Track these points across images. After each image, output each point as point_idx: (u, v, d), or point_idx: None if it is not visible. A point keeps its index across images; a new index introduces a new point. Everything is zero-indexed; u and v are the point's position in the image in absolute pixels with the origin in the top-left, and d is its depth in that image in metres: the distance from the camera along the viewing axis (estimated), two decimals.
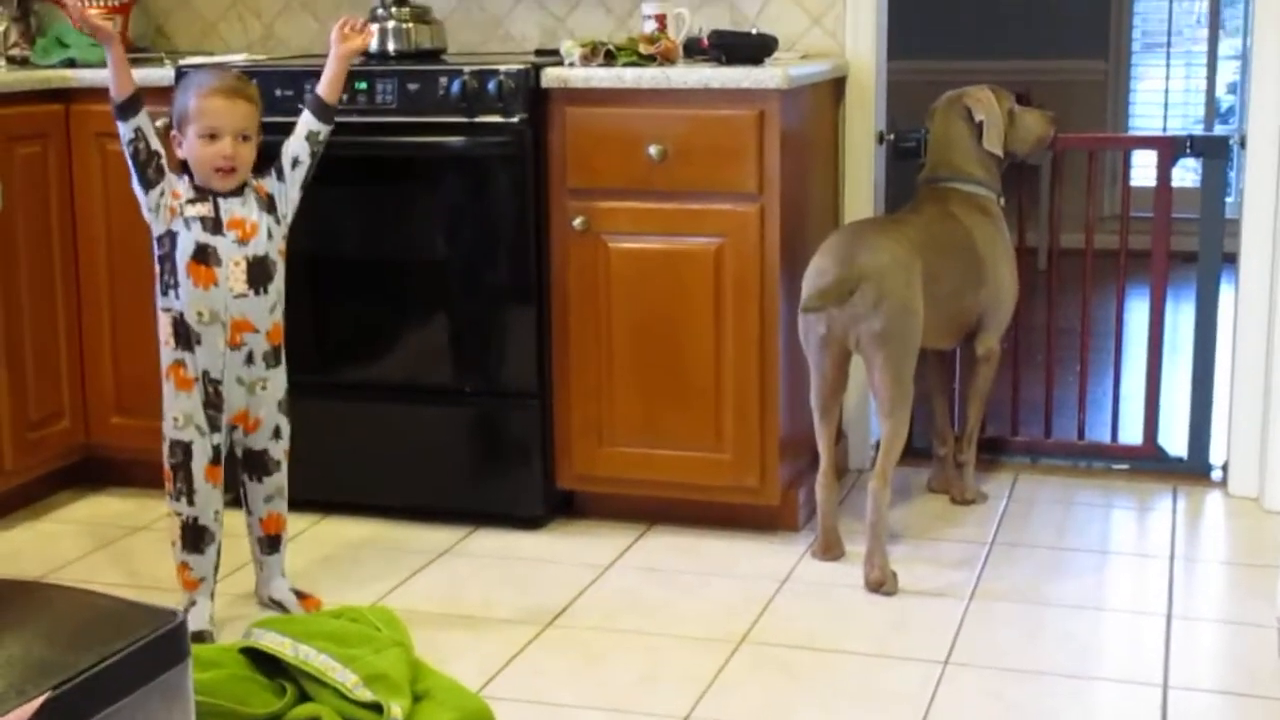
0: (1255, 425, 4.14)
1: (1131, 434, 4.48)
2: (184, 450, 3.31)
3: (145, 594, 3.53)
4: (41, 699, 1.65)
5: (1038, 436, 4.52)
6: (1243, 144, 4.12)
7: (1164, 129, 8.35)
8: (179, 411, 3.30)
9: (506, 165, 3.80)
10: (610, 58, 3.85)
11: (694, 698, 3.04)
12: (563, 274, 3.86)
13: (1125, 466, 4.44)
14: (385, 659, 2.92)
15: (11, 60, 4.33)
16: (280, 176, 3.34)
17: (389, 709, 2.80)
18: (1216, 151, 4.31)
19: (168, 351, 3.29)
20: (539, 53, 4.26)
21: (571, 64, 3.85)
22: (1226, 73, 8.48)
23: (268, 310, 3.31)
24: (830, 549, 3.74)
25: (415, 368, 3.96)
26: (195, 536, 3.34)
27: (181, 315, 3.26)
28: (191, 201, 3.24)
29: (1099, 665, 3.22)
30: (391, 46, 4.17)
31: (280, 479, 3.43)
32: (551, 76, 3.79)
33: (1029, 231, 4.71)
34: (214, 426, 3.32)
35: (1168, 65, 8.49)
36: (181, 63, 4.08)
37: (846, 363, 3.64)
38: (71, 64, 4.23)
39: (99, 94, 4.10)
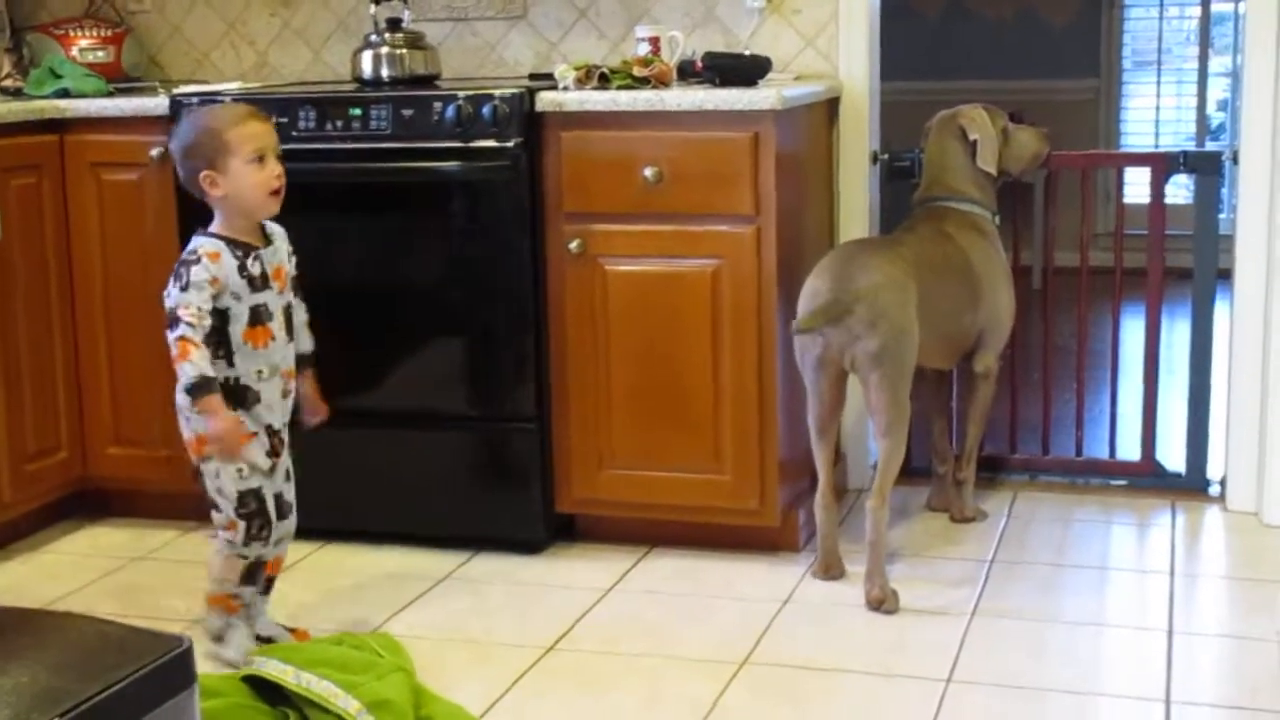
0: (1253, 440, 4.14)
1: (1129, 450, 4.48)
2: (256, 497, 3.22)
3: (145, 624, 3.51)
4: None
5: (1036, 454, 4.53)
6: (1235, 160, 4.13)
7: (1155, 146, 8.38)
8: (244, 463, 3.21)
9: (502, 190, 3.81)
10: (605, 81, 3.86)
11: None
12: (560, 298, 3.86)
13: (1124, 483, 4.44)
14: (388, 685, 2.92)
15: (5, 91, 4.34)
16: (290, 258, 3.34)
17: None
18: (1209, 168, 4.32)
19: None
20: (533, 77, 4.28)
21: (566, 88, 3.86)
22: (1217, 90, 8.52)
23: (292, 354, 3.30)
24: (830, 569, 3.74)
25: (413, 393, 3.96)
26: (256, 571, 3.30)
27: (236, 380, 3.18)
28: (243, 264, 3.17)
29: (1101, 681, 3.21)
30: (385, 72, 4.18)
31: (291, 523, 3.36)
32: (546, 100, 3.80)
33: (1023, 250, 4.73)
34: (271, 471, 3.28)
35: (1158, 83, 8.52)
36: (175, 92, 4.09)
37: (843, 383, 3.64)
38: (65, 94, 4.23)
39: (93, 124, 4.13)
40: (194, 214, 3.98)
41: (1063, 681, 3.17)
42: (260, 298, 3.19)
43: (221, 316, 3.15)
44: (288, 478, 3.34)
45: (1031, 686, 3.15)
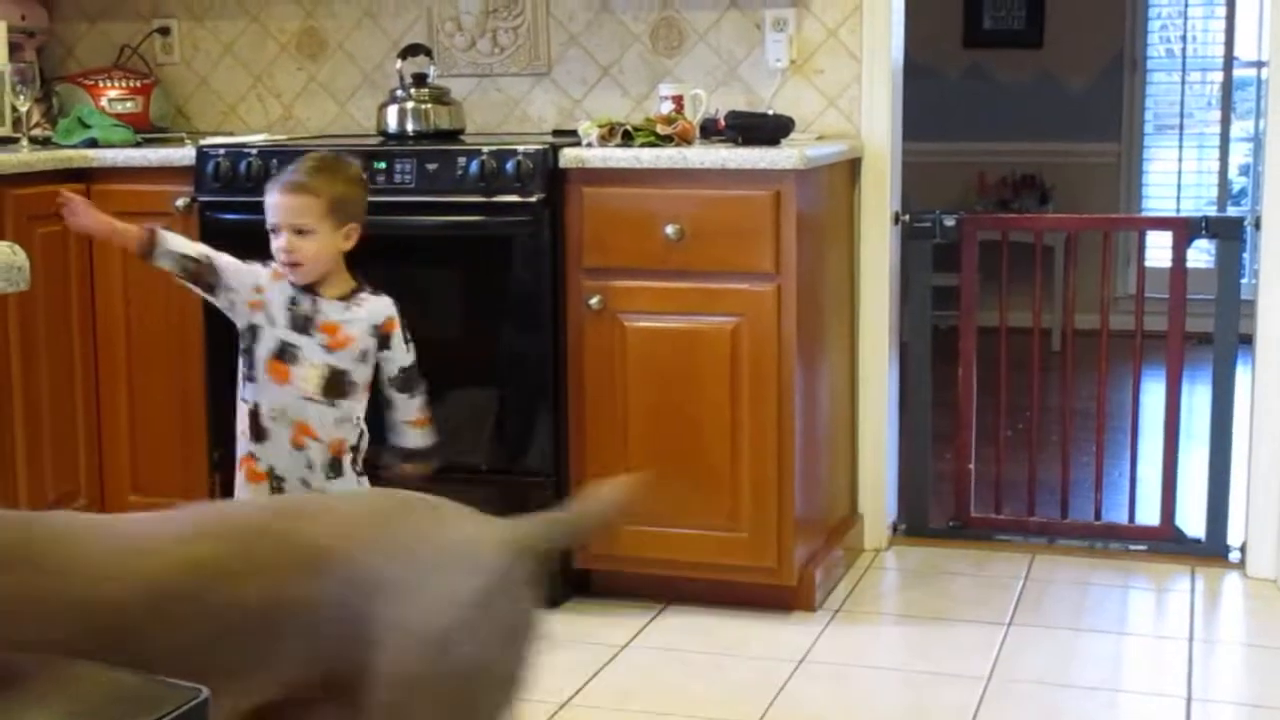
0: (1273, 506, 4.12)
1: (1149, 515, 4.46)
2: None
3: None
4: None
5: (1054, 518, 4.51)
6: (1257, 225, 4.13)
7: (1177, 210, 8.38)
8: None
9: (524, 245, 3.82)
10: (628, 138, 3.88)
11: None
12: (579, 353, 3.87)
13: (1142, 548, 4.42)
14: None
15: (34, 140, 4.37)
16: (387, 345, 3.26)
17: None
18: (1231, 233, 4.33)
19: (243, 442, 3.20)
20: (556, 133, 4.30)
21: (589, 144, 3.87)
22: (1239, 154, 8.52)
23: (333, 422, 3.21)
24: None
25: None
26: None
27: (257, 408, 3.18)
28: (294, 299, 3.17)
29: None
30: (410, 127, 4.21)
31: None
32: (569, 157, 3.82)
33: (1044, 312, 4.72)
34: None
35: (1180, 147, 8.53)
36: (202, 143, 4.12)
37: None
38: (93, 144, 4.27)
39: (120, 174, 4.16)
40: None
41: None
42: (294, 338, 3.17)
43: (253, 334, 3.17)
44: None
45: None
